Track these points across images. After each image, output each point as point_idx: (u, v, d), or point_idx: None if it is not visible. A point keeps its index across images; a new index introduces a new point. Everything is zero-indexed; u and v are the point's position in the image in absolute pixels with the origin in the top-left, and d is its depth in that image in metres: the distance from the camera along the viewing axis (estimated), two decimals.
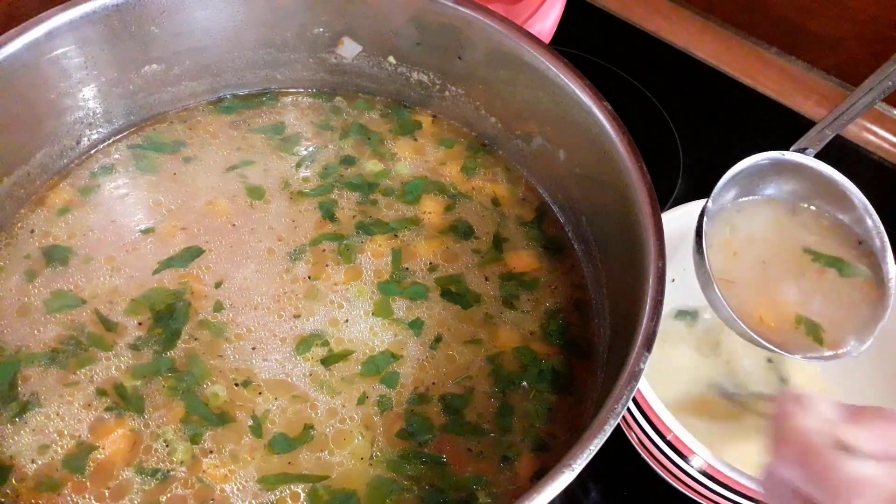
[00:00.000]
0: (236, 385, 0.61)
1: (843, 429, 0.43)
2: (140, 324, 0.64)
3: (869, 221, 0.61)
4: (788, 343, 0.58)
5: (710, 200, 0.59)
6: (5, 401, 0.59)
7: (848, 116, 0.58)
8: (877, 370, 0.70)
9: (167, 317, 0.64)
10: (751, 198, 0.63)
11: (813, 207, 0.62)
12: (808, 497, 0.42)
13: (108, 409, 0.59)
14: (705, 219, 0.59)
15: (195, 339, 0.63)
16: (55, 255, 0.67)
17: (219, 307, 0.65)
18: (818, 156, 0.61)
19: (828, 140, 0.60)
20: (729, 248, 0.61)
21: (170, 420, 0.59)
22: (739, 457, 0.60)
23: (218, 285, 0.66)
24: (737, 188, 0.62)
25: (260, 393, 0.60)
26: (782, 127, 1.03)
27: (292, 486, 0.56)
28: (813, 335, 0.59)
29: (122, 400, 0.59)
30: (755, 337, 0.57)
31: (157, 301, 0.65)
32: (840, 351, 0.58)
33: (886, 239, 0.60)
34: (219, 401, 0.60)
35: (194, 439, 0.58)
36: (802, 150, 0.61)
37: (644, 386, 0.60)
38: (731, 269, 0.61)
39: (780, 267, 0.61)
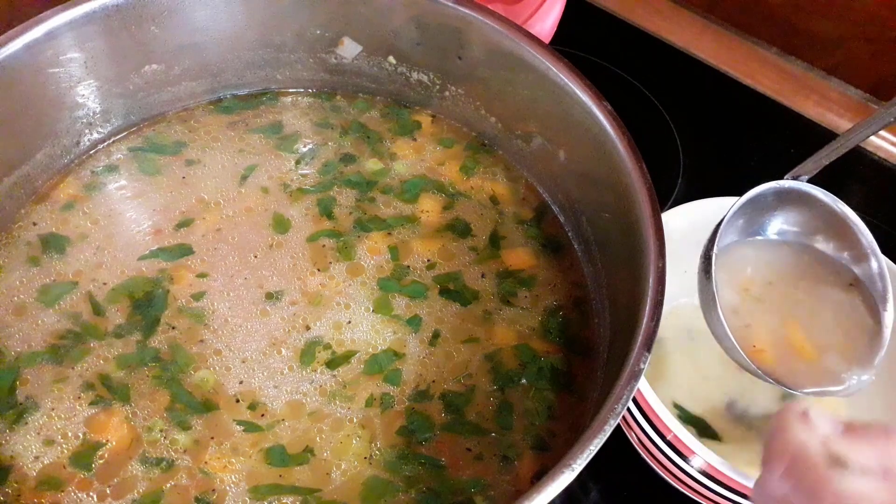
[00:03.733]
0: (238, 401, 0.60)
1: (839, 443, 0.43)
2: (118, 311, 0.64)
3: (874, 263, 0.59)
4: (789, 377, 0.58)
5: (719, 231, 0.58)
6: (4, 407, 0.59)
7: (843, 149, 0.58)
8: (890, 387, 0.69)
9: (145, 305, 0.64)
10: (758, 238, 0.63)
11: (818, 246, 0.62)
12: None
13: (97, 403, 0.59)
14: (714, 248, 0.58)
15: (173, 328, 0.63)
16: (53, 244, 0.67)
17: (199, 296, 0.65)
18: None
19: (822, 167, 0.60)
20: (734, 282, 0.61)
21: (155, 410, 0.59)
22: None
23: (204, 306, 0.66)
24: (743, 219, 0.62)
25: (263, 414, 0.60)
26: (782, 127, 1.04)
27: (282, 498, 0.56)
28: (817, 371, 0.58)
29: (110, 391, 0.60)
30: (756, 369, 0.57)
31: (136, 290, 0.65)
32: (841, 388, 0.57)
33: (889, 284, 0.58)
34: (208, 386, 0.60)
35: (182, 426, 0.58)
36: (797, 177, 0.61)
37: (644, 386, 0.60)
38: (736, 302, 0.61)
39: (784, 302, 0.61)
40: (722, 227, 0.59)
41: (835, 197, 0.60)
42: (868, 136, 0.57)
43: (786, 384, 0.57)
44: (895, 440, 0.43)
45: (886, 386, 0.69)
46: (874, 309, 0.59)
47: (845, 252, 0.61)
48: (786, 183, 0.60)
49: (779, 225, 0.63)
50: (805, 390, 0.57)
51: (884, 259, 0.60)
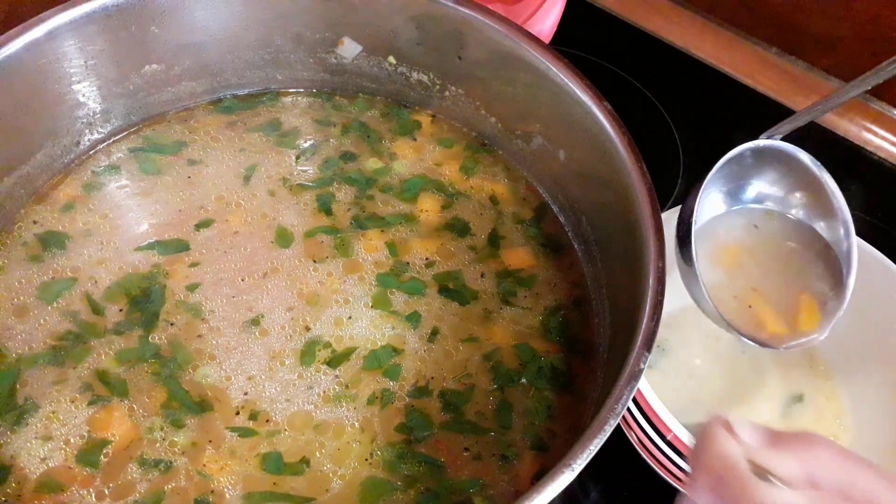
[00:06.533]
0: (237, 413, 0.60)
1: (763, 454, 0.42)
2: (120, 310, 0.64)
3: (841, 223, 0.60)
4: (768, 336, 0.59)
5: (699, 195, 0.59)
6: (4, 409, 0.58)
7: (820, 113, 0.59)
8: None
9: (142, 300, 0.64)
10: (733, 208, 0.63)
11: (792, 210, 0.63)
12: None
13: (96, 402, 0.59)
14: (694, 216, 0.58)
15: (172, 325, 0.63)
16: (54, 242, 0.67)
17: (194, 292, 0.65)
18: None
19: (796, 127, 0.61)
20: (713, 255, 0.62)
21: (152, 407, 0.59)
22: None
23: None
24: (721, 187, 0.62)
25: (267, 420, 0.59)
26: None
27: None
28: (792, 328, 0.59)
29: (108, 388, 0.60)
30: (737, 331, 0.58)
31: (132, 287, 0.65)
32: (810, 338, 0.58)
33: (854, 243, 0.60)
34: (208, 383, 0.60)
35: (177, 424, 0.58)
36: (770, 137, 0.61)
37: (644, 386, 0.60)
38: (714, 269, 0.61)
39: (761, 265, 0.62)
40: (700, 194, 0.59)
41: (809, 154, 0.61)
42: (839, 104, 0.59)
43: (763, 343, 0.58)
44: (817, 448, 0.42)
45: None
46: (838, 271, 0.60)
47: (817, 210, 0.62)
48: (762, 142, 0.61)
49: (756, 190, 0.63)
50: (781, 347, 0.58)
51: (851, 221, 0.61)
